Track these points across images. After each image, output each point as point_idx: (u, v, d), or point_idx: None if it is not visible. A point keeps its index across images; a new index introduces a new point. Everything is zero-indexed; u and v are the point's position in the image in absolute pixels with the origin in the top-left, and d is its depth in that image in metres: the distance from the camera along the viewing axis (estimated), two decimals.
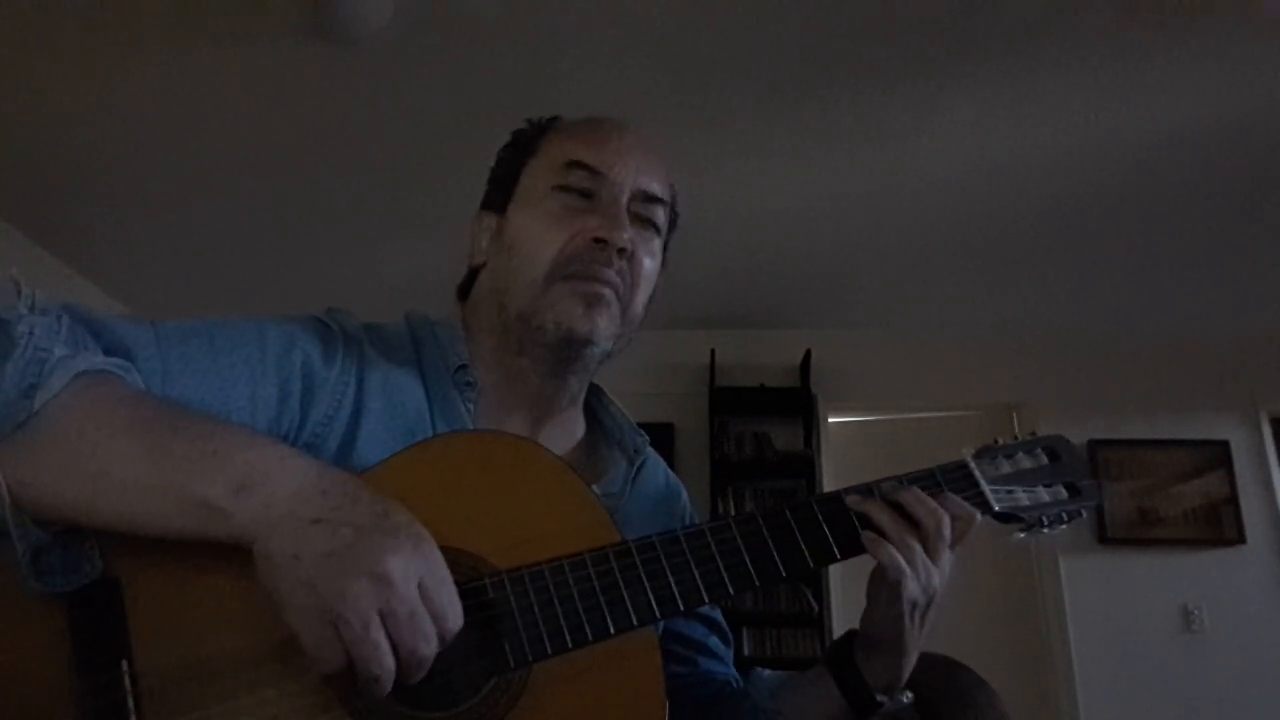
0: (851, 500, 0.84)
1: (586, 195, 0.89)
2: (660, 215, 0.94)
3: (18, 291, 0.67)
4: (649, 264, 0.92)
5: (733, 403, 4.51)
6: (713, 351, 4.51)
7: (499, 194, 0.95)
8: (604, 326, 0.88)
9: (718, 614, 1.03)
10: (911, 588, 0.80)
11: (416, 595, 0.62)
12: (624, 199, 0.90)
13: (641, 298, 0.92)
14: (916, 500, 0.83)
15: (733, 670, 1.02)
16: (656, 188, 0.93)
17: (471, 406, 0.88)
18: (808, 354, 4.55)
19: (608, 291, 0.88)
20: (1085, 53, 2.62)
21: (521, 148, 0.96)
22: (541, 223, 0.89)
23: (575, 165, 0.89)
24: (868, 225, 3.72)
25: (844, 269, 4.16)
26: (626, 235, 0.87)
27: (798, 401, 4.53)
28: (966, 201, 3.49)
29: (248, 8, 2.43)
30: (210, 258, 3.96)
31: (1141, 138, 3.04)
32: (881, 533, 0.82)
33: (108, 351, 0.70)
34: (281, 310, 0.86)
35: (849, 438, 4.67)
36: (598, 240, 0.87)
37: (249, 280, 4.13)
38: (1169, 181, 3.32)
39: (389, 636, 0.61)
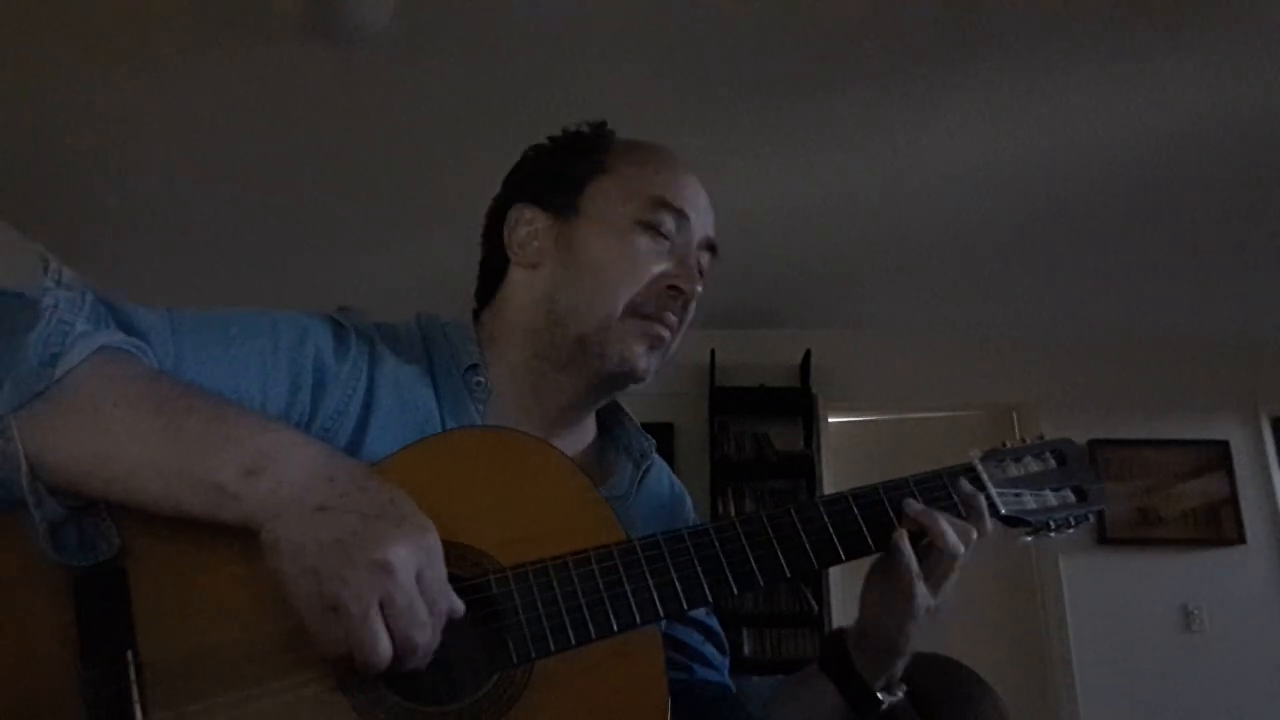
0: (913, 509, 0.85)
1: (665, 236, 0.91)
2: (709, 263, 0.97)
3: (45, 267, 0.68)
4: (693, 308, 0.95)
5: (733, 403, 4.51)
6: (713, 351, 4.51)
7: (555, 196, 0.93)
8: (656, 367, 0.92)
9: (714, 623, 1.03)
10: (924, 590, 0.82)
11: (415, 585, 0.63)
12: (695, 246, 0.93)
13: (680, 337, 0.95)
14: (962, 528, 0.85)
15: (728, 680, 1.02)
16: (716, 239, 0.96)
17: (481, 408, 0.88)
18: (808, 354, 4.55)
19: (669, 336, 0.91)
20: (1086, 52, 2.62)
21: (584, 156, 0.95)
22: (624, 255, 0.90)
23: (664, 206, 0.91)
24: (868, 225, 3.72)
25: (844, 269, 4.16)
26: (697, 288, 0.92)
27: (798, 401, 4.53)
28: (966, 201, 3.49)
29: (248, 8, 2.43)
30: (210, 258, 3.96)
31: (1141, 138, 3.04)
32: (933, 535, 0.83)
33: (124, 334, 0.71)
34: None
35: (849, 438, 4.67)
36: (673, 288, 0.90)
37: (249, 281, 4.13)
38: (1169, 181, 3.32)
39: (387, 624, 0.62)
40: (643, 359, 0.89)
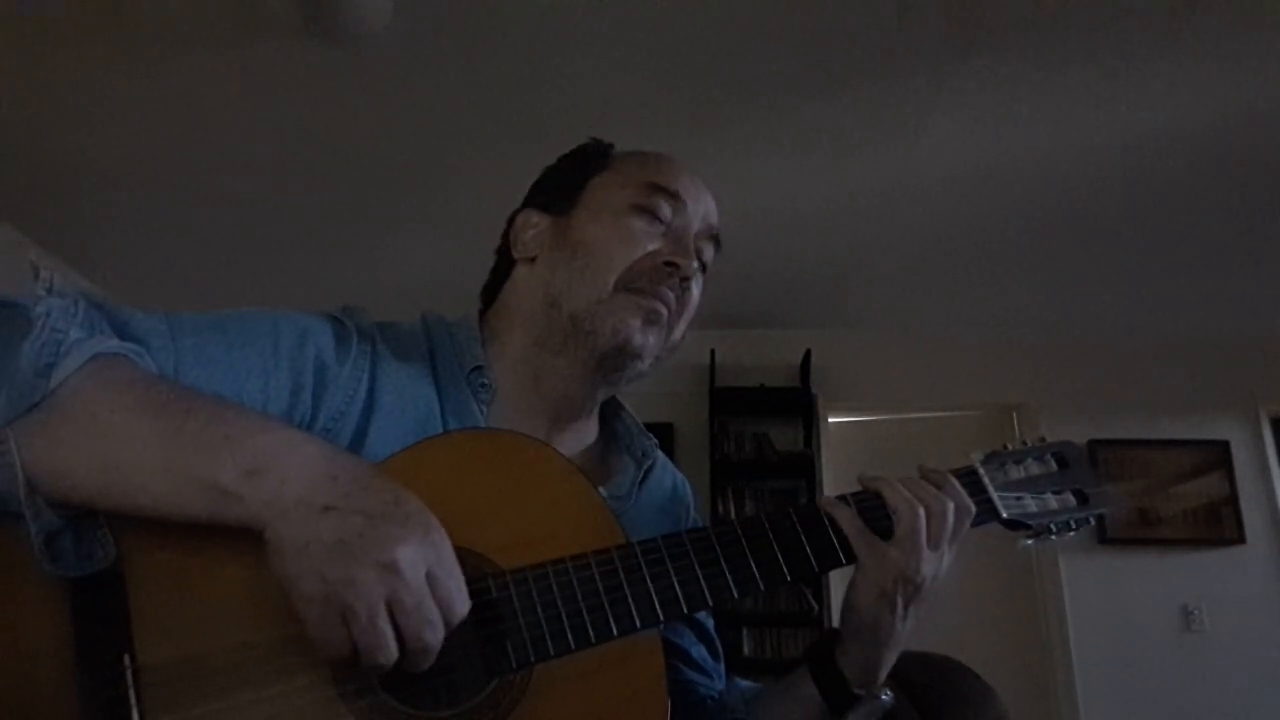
0: (864, 479, 0.86)
1: (661, 220, 0.92)
2: (712, 257, 0.98)
3: (36, 274, 0.67)
4: (696, 297, 0.95)
5: (733, 403, 4.51)
6: (713, 351, 4.51)
7: (558, 198, 0.96)
8: (653, 345, 0.91)
9: (710, 625, 1.02)
10: (899, 557, 0.81)
11: (424, 585, 0.63)
12: (693, 232, 0.94)
13: (682, 327, 0.95)
14: (922, 489, 0.85)
15: (717, 687, 1.00)
16: (718, 231, 0.97)
17: (485, 408, 0.88)
18: (808, 354, 4.55)
19: (665, 312, 0.91)
20: (1085, 53, 2.62)
21: (588, 160, 0.98)
22: (617, 234, 0.91)
23: (658, 189, 0.93)
24: (868, 225, 3.72)
25: (844, 269, 4.16)
26: (694, 265, 0.92)
27: (798, 401, 4.53)
28: (966, 202, 3.49)
29: (247, 8, 2.43)
30: (210, 258, 3.96)
31: (1141, 138, 3.04)
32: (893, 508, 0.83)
33: (121, 339, 0.70)
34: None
35: (849, 438, 4.66)
36: (668, 264, 0.90)
37: (249, 281, 4.13)
38: (1168, 182, 3.32)
39: (395, 625, 0.62)
40: (638, 333, 0.89)
